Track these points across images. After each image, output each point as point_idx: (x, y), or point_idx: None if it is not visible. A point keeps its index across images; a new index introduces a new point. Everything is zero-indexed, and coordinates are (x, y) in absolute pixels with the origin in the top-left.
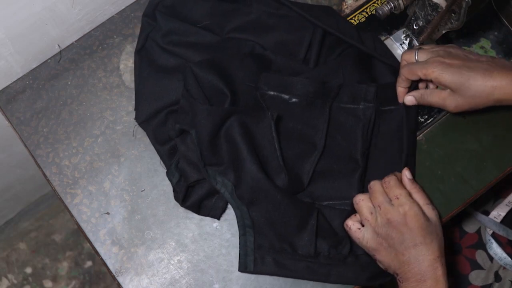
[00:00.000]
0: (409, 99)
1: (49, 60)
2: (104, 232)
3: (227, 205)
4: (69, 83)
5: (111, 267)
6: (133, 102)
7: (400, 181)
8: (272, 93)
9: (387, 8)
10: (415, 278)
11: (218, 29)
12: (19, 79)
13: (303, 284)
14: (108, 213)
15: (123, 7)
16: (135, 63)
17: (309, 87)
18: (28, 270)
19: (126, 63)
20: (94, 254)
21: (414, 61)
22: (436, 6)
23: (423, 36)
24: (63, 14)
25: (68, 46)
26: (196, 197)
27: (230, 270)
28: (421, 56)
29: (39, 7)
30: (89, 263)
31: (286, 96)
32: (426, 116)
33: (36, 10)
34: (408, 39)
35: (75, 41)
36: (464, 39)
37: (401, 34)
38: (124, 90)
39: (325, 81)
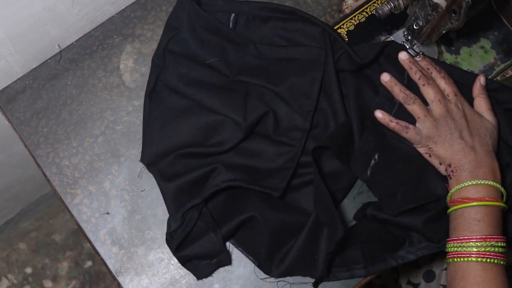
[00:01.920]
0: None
1: (49, 60)
2: (104, 232)
3: (213, 272)
4: (69, 83)
5: (111, 267)
6: (133, 102)
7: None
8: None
9: (387, 8)
10: (470, 164)
11: (226, 69)
12: (19, 79)
13: (304, 282)
14: (108, 213)
15: (123, 7)
16: (144, 104)
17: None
18: (28, 270)
19: (126, 63)
20: (94, 254)
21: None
22: (436, 6)
23: (423, 36)
24: (63, 14)
25: (68, 46)
26: (187, 253)
27: (230, 270)
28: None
29: (39, 7)
30: (89, 263)
31: None
32: None
33: (36, 10)
34: (408, 39)
35: (75, 41)
36: (464, 39)
37: (401, 34)
38: (124, 90)
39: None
